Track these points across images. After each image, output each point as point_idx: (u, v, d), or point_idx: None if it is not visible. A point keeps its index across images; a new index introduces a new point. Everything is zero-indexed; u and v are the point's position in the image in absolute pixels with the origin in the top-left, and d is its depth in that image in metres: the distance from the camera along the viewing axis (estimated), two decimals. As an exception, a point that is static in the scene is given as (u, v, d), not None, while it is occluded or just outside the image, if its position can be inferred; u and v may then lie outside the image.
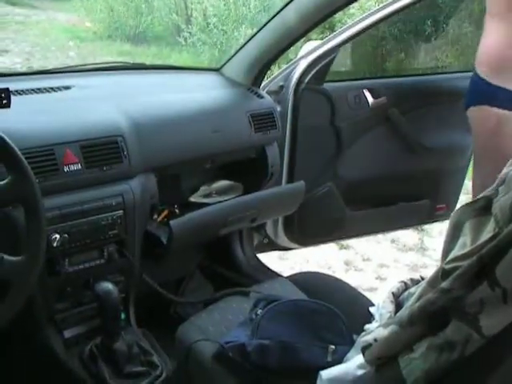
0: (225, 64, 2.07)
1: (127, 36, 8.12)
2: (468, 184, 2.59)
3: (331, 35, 2.07)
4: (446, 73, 2.60)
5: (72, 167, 1.43)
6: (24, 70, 5.17)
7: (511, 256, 0.78)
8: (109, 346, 1.54)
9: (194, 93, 1.88)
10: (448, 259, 0.91)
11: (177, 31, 7.80)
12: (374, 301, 1.46)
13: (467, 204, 0.92)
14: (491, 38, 1.81)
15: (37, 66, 6.27)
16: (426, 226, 3.39)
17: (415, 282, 1.17)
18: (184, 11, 7.94)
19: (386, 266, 3.18)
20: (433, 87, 2.34)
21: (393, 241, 3.43)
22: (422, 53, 3.37)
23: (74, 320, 1.61)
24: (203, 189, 1.93)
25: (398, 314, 1.03)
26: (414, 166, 2.37)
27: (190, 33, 7.44)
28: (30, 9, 9.74)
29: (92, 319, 1.61)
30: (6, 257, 1.13)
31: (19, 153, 1.14)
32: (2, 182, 1.12)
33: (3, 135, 1.13)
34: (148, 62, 6.88)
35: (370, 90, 2.19)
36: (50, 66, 5.93)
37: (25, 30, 8.28)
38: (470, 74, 2.00)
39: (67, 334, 1.60)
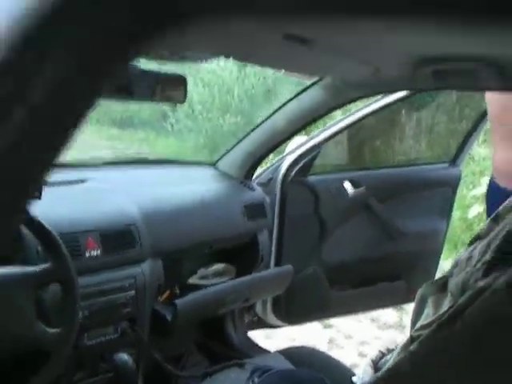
0: (220, 159, 2.34)
1: (114, 121, 8.39)
2: (443, 265, 2.82)
3: (315, 132, 2.35)
4: (418, 164, 2.89)
5: (93, 252, 1.64)
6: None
7: (460, 322, 0.98)
8: None
9: (193, 185, 2.14)
10: (415, 328, 1.10)
11: (163, 117, 8.11)
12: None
13: (430, 282, 1.16)
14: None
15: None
16: (405, 305, 3.58)
17: (391, 351, 1.34)
18: (170, 98, 8.25)
19: (367, 343, 3.36)
20: (407, 178, 2.61)
21: (373, 319, 3.62)
22: (397, 142, 3.66)
23: None
24: (201, 271, 2.13)
25: (376, 374, 1.24)
26: (391, 249, 2.59)
27: (176, 119, 7.76)
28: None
29: None
30: (47, 329, 1.33)
31: (57, 237, 1.37)
32: (44, 265, 1.34)
33: (46, 225, 1.35)
34: (135, 146, 7.16)
35: (351, 181, 2.45)
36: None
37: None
38: (441, 165, 2.25)
39: None
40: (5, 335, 1.26)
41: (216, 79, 7.68)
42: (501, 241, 0.95)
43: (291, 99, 2.07)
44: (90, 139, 7.30)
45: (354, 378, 1.41)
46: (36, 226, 1.35)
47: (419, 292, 1.19)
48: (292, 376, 1.65)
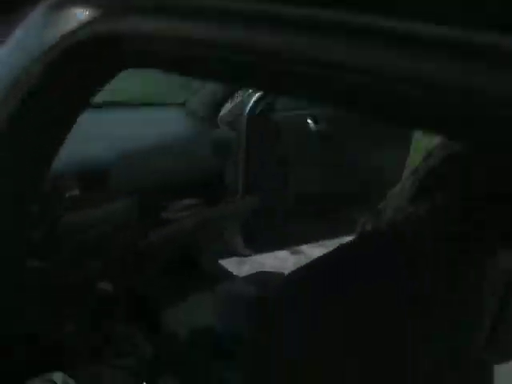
0: (189, 99, 2.48)
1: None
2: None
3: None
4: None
5: (72, 193, 1.81)
6: None
7: None
8: (107, 332, 1.89)
9: (163, 125, 2.30)
10: None
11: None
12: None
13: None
14: None
15: None
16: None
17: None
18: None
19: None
20: None
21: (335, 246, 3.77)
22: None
23: (78, 313, 1.90)
24: (173, 206, 2.27)
25: None
26: (351, 182, 2.75)
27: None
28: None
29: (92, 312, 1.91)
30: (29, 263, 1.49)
31: None
32: None
33: None
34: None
35: (312, 118, 2.61)
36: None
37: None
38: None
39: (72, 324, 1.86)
40: None
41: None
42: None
43: None
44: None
45: None
46: None
47: (359, 221, 1.31)
48: (250, 301, 1.80)
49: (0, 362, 1.47)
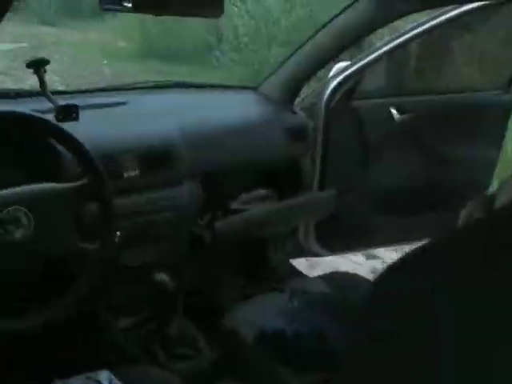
0: (262, 83, 2.28)
1: (159, 55, 8.33)
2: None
3: (361, 55, 2.26)
4: (470, 91, 2.75)
5: (131, 173, 1.64)
6: (68, 88, 5.38)
7: None
8: (162, 330, 1.75)
9: (234, 109, 2.11)
10: None
11: (208, 50, 8.01)
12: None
13: (475, 200, 1.12)
14: None
15: (74, 84, 6.52)
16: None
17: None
18: (215, 30, 8.13)
19: (412, 275, 3.30)
20: (457, 104, 2.49)
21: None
22: (448, 70, 3.49)
23: (132, 307, 1.82)
24: (243, 196, 2.11)
25: None
26: (438, 178, 2.51)
27: (221, 52, 7.65)
28: (63, 29, 10.11)
29: (147, 306, 1.82)
30: (82, 244, 1.34)
31: (95, 157, 1.35)
32: (80, 182, 1.34)
33: (83, 144, 1.34)
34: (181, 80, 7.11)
35: (397, 107, 2.38)
36: (86, 85, 6.20)
37: (59, 50, 8.57)
38: (494, 92, 2.14)
39: (125, 319, 1.81)
40: (41, 249, 1.26)
41: (262, 11, 7.52)
42: None
43: (336, 16, 1.97)
44: (132, 73, 7.32)
45: None
46: (73, 145, 1.34)
47: (464, 210, 1.14)
48: (333, 300, 1.64)
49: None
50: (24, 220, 1.22)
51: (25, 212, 1.22)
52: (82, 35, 9.67)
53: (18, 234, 1.21)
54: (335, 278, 1.86)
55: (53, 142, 1.43)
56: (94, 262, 1.35)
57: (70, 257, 1.33)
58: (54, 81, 6.96)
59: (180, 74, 7.58)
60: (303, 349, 1.48)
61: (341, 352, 1.36)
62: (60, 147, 1.43)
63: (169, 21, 8.49)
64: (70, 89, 4.34)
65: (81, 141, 1.37)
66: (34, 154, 1.48)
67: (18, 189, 1.27)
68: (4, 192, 1.25)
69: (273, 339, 1.52)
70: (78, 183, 1.34)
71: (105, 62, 8.17)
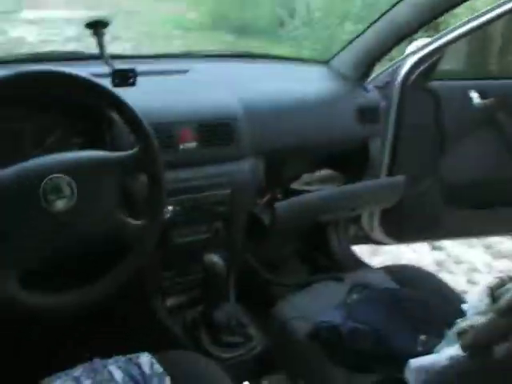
0: (333, 57, 2.12)
1: (231, 27, 8.21)
2: None
3: (440, 34, 2.08)
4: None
5: (187, 145, 1.53)
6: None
7: None
8: (209, 315, 1.64)
9: (303, 83, 1.96)
10: None
11: (280, 24, 7.85)
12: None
13: None
14: None
15: (144, 51, 6.50)
16: (525, 235, 3.32)
17: (512, 280, 1.19)
18: (288, 4, 7.96)
19: (478, 270, 3.14)
20: None
21: (487, 246, 3.38)
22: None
23: (179, 289, 1.73)
24: (305, 176, 2.00)
25: (496, 304, 1.07)
26: None
27: (293, 26, 7.48)
28: (140, -1, 10.11)
29: (195, 289, 1.72)
30: (128, 220, 1.23)
31: (148, 126, 1.24)
32: (131, 151, 1.23)
33: (136, 111, 1.23)
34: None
35: (478, 91, 2.19)
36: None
37: (134, 19, 8.56)
38: None
39: (171, 301, 1.73)
40: (84, 223, 1.17)
41: (337, -15, 7.33)
42: None
43: None
44: (203, 44, 7.24)
45: (465, 306, 1.28)
46: (126, 112, 1.24)
47: None
48: (393, 295, 1.52)
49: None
50: (66, 190, 1.11)
51: (68, 181, 1.12)
52: (156, 4, 9.63)
53: (59, 206, 1.11)
54: (398, 272, 1.71)
55: (105, 107, 1.34)
56: (142, 239, 1.24)
57: (115, 233, 1.22)
58: (125, 48, 6.97)
59: (250, 46, 7.45)
60: (358, 348, 1.36)
61: (398, 353, 1.27)
62: (113, 114, 1.35)
63: (242, -7, 8.38)
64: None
65: (135, 108, 1.25)
66: (83, 120, 1.40)
67: (61, 155, 1.17)
68: (47, 158, 1.15)
69: (326, 335, 1.40)
70: (128, 153, 1.23)
71: (176, 32, 8.11)
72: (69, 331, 1.65)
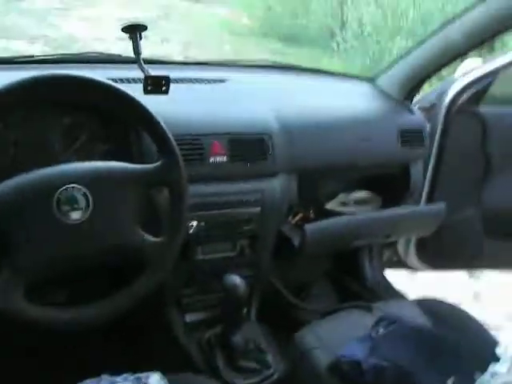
0: (379, 74, 2.04)
1: (281, 35, 8.18)
2: None
3: (494, 56, 2.00)
4: None
5: (217, 159, 1.46)
6: (181, 59, 5.36)
7: None
8: (227, 337, 1.57)
9: (345, 100, 1.88)
10: None
11: (330, 36, 7.79)
12: (500, 340, 1.41)
13: None
14: None
15: (193, 55, 6.50)
16: None
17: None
18: (339, 16, 7.90)
19: (517, 304, 3.01)
20: None
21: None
22: None
23: (198, 306, 1.66)
24: (341, 197, 1.91)
25: None
26: None
27: (343, 39, 7.41)
28: (193, 2, 10.14)
29: (215, 308, 1.65)
30: (147, 236, 1.17)
31: (172, 138, 1.18)
32: (153, 165, 1.17)
33: (161, 122, 1.17)
34: (299, 63, 6.96)
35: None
36: (205, 57, 6.15)
37: (185, 21, 8.60)
38: None
39: (189, 318, 1.66)
40: (100, 237, 1.11)
41: (390, 0, 7.21)
42: None
43: (468, 9, 1.67)
44: (252, 51, 7.22)
45: (499, 350, 1.19)
46: (153, 125, 1.18)
47: None
48: (423, 332, 1.44)
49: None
50: (82, 201, 1.06)
51: (84, 192, 1.06)
52: (211, 9, 9.65)
53: (74, 217, 1.05)
54: (431, 306, 1.61)
55: (133, 119, 1.28)
56: (160, 256, 1.18)
57: (131, 248, 1.16)
58: (174, 51, 6.99)
59: (299, 56, 7.41)
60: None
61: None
62: (140, 126, 1.29)
63: (294, 1, 8.34)
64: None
65: (164, 115, 1.20)
66: (110, 126, 1.35)
67: (79, 164, 1.13)
68: (64, 167, 1.10)
69: (348, 370, 1.32)
70: (151, 166, 1.17)
71: (226, 36, 8.11)
72: (80, 342, 1.60)
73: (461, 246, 2.22)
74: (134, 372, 1.21)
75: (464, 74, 2.01)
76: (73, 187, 1.06)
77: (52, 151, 1.30)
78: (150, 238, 1.17)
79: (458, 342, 1.38)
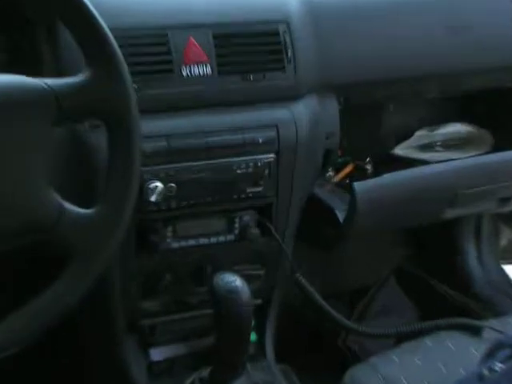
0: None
1: None
2: None
3: None
4: None
5: (196, 69, 1.42)
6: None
7: None
8: (223, 372, 1.50)
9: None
10: None
11: None
12: None
13: None
14: None
15: None
16: None
17: None
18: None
19: None
20: None
21: None
22: None
23: (171, 332, 1.66)
24: (420, 135, 1.92)
25: None
26: None
27: None
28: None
29: (200, 335, 1.66)
30: (68, 207, 1.09)
31: (110, 34, 1.10)
32: (79, 78, 1.09)
33: (88, 3, 1.09)
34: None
35: None
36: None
37: None
38: None
39: (156, 354, 1.66)
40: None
41: None
42: None
43: None
44: None
45: None
46: (74, 10, 1.10)
47: None
48: None
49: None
50: None
51: None
52: None
53: None
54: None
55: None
56: (94, 239, 1.10)
57: (41, 227, 1.07)
58: None
59: None
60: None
61: None
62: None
63: None
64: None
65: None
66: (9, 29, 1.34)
67: None
68: None
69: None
70: (73, 79, 1.08)
71: None
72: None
73: None
74: None
75: None
76: None
77: None
78: (75, 209, 1.09)
79: None
